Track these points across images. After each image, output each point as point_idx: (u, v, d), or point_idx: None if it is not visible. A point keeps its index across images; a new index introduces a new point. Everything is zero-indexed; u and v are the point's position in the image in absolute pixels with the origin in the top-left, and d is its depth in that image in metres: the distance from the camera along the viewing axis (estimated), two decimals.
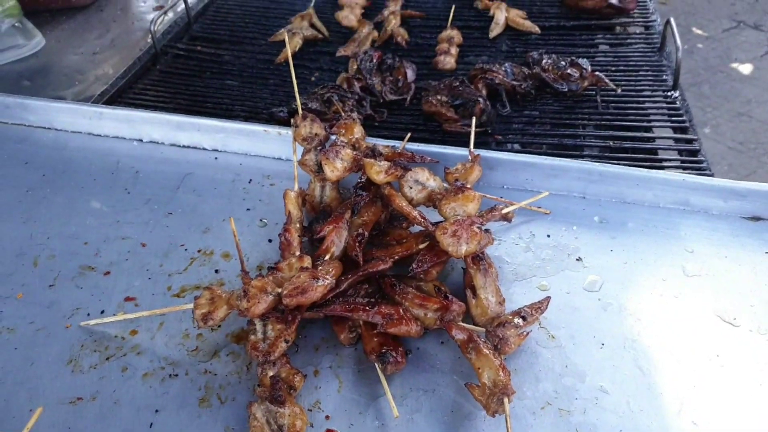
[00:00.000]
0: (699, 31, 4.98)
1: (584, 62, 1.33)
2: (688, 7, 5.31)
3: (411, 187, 0.89)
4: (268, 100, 1.42)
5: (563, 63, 1.34)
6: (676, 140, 1.24)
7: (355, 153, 0.91)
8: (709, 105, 4.13)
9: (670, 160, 1.19)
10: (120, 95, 1.41)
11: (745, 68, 4.47)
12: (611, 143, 1.22)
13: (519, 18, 1.64)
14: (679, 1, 5.40)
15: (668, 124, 1.28)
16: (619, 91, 1.34)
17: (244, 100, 1.42)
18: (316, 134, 1.00)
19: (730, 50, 4.74)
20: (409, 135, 1.03)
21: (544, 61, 1.38)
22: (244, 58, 1.58)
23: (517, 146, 1.25)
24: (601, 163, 0.98)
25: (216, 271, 0.88)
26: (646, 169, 0.97)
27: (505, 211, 0.87)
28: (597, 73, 1.34)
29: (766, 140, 3.80)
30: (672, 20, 1.46)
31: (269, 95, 1.44)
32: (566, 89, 1.32)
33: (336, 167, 0.89)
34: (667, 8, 5.31)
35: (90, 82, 1.43)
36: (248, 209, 0.99)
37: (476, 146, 1.19)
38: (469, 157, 0.96)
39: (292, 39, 1.58)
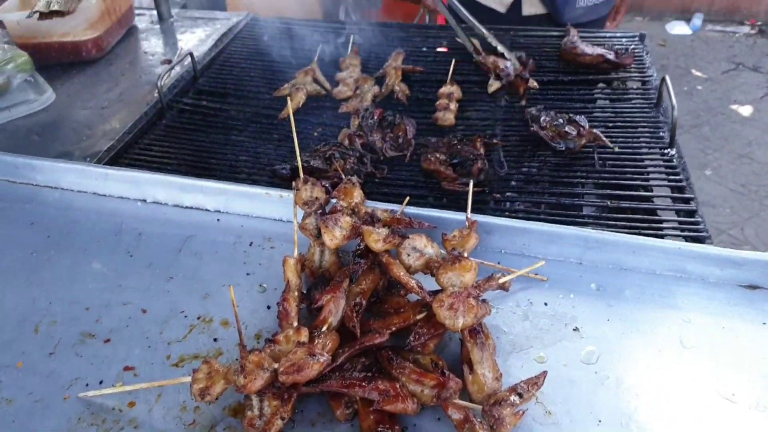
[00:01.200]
0: (698, 73, 5.05)
1: (582, 119, 1.35)
2: (687, 49, 5.40)
3: (409, 255, 0.90)
4: (272, 155, 1.44)
5: (561, 120, 1.37)
6: (674, 200, 1.26)
7: (354, 220, 0.92)
8: (710, 147, 4.17)
9: (668, 220, 1.20)
10: (126, 150, 1.44)
11: (745, 110, 4.52)
12: (609, 203, 1.24)
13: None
14: (678, 43, 5.49)
15: (665, 182, 1.30)
16: (616, 149, 1.36)
17: (248, 156, 1.44)
18: (316, 198, 1.02)
19: (730, 92, 4.80)
20: (407, 199, 1.05)
21: (542, 119, 1.41)
22: (248, 112, 1.61)
23: (517, 204, 1.27)
24: (598, 230, 0.99)
25: (215, 340, 0.89)
26: (642, 237, 0.98)
27: (501, 281, 0.88)
28: (594, 130, 1.36)
29: (767, 182, 3.81)
30: (667, 78, 1.48)
31: (273, 150, 1.47)
32: (563, 148, 1.35)
33: (335, 235, 0.90)
34: (667, 50, 5.40)
35: (98, 137, 1.46)
36: (248, 273, 1.00)
37: (475, 204, 1.21)
38: (467, 224, 0.97)
39: (295, 95, 1.62)
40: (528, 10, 2.01)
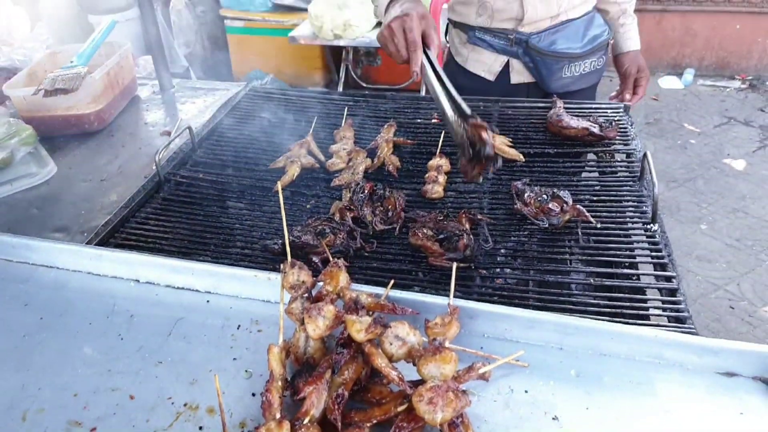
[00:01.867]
0: (691, 127, 5.15)
1: (566, 195, 1.39)
2: (679, 103, 5.51)
3: (391, 344, 0.92)
4: (265, 228, 1.48)
5: (545, 196, 1.41)
6: (656, 277, 1.28)
7: (337, 309, 0.95)
8: (705, 200, 4.21)
9: (651, 299, 1.22)
10: (123, 224, 1.48)
11: (738, 164, 4.59)
12: (592, 280, 1.26)
13: (505, 146, 1.72)
14: (671, 98, 5.61)
15: (648, 259, 1.33)
16: (597, 225, 1.39)
17: (242, 228, 1.48)
18: (303, 282, 1.05)
19: (723, 146, 4.88)
20: (392, 282, 1.07)
21: (526, 194, 1.45)
22: (244, 183, 1.66)
23: (503, 281, 1.30)
24: (577, 317, 1.01)
25: (200, 428, 0.90)
26: (619, 324, 1.00)
27: (482, 371, 0.90)
28: (578, 206, 1.39)
29: (762, 237, 3.84)
30: (648, 154, 1.53)
31: (267, 223, 1.51)
32: (546, 225, 1.38)
33: (318, 325, 0.93)
34: (660, 104, 5.52)
35: (96, 210, 1.50)
36: (234, 359, 1.02)
37: (461, 281, 1.24)
38: (449, 310, 0.99)
39: (290, 167, 1.67)
40: (516, 78, 2.06)
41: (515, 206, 1.43)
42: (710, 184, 4.30)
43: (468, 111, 1.30)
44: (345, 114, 1.95)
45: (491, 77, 2.07)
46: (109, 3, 6.55)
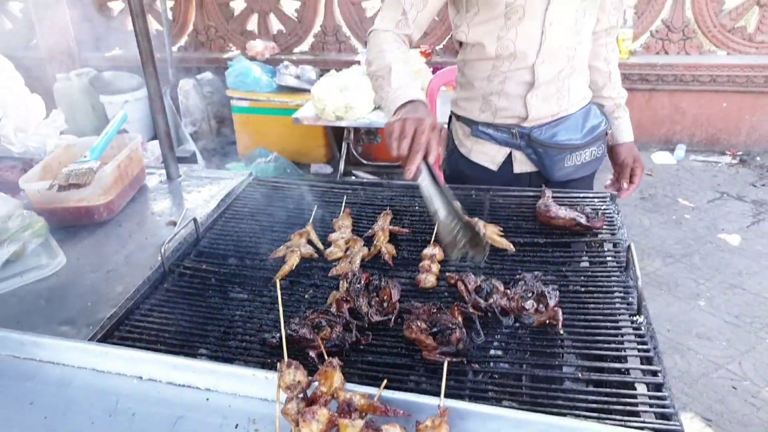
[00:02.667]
0: (685, 202, 5.25)
1: (553, 294, 1.44)
2: (673, 178, 5.64)
3: None
4: (264, 320, 1.53)
5: (531, 293, 1.46)
6: (643, 372, 1.32)
7: (331, 413, 0.99)
8: (702, 276, 4.25)
9: (640, 394, 1.25)
10: (128, 316, 1.53)
11: (733, 239, 4.65)
12: (580, 375, 1.30)
13: (495, 235, 1.79)
14: (665, 173, 5.74)
15: (635, 352, 1.37)
16: (562, 332, 1.42)
17: (242, 319, 1.53)
18: (298, 381, 1.09)
19: (717, 221, 4.96)
20: (384, 382, 1.11)
21: (511, 291, 1.49)
22: (246, 273, 1.72)
23: (495, 377, 1.33)
24: (563, 418, 1.04)
25: None
26: (606, 425, 1.03)
27: None
28: (556, 309, 1.42)
29: (761, 313, 3.85)
30: (632, 246, 1.59)
31: (266, 313, 1.56)
32: (516, 324, 1.43)
33: (312, 429, 0.96)
34: (654, 179, 5.65)
35: (102, 302, 1.56)
36: None
37: (454, 375, 1.28)
38: (439, 411, 1.03)
39: (290, 257, 1.74)
40: (518, 168, 2.14)
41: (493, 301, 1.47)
42: (707, 259, 4.35)
43: (465, 218, 1.45)
44: (343, 203, 2.04)
45: (494, 167, 2.15)
46: (120, 84, 6.85)
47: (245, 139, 6.29)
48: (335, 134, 6.10)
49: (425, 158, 1.51)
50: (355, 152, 5.77)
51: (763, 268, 4.19)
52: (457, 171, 2.25)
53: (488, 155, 2.14)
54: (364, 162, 5.89)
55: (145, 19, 2.05)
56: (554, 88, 2.00)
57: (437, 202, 1.49)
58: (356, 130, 5.58)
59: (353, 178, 5.82)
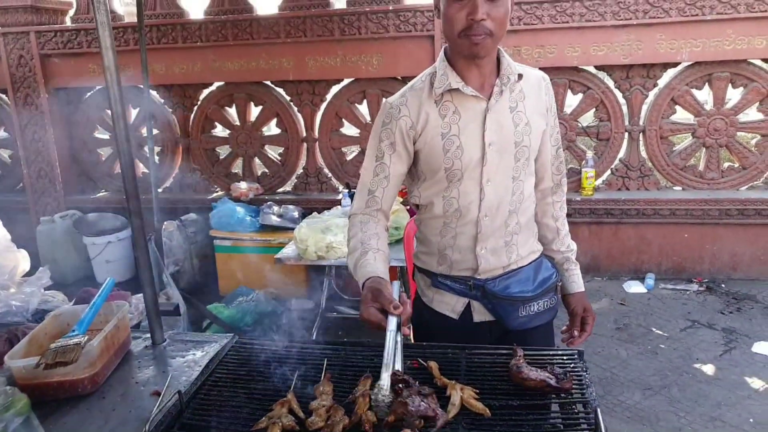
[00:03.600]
0: (659, 331, 5.37)
1: None
2: (645, 307, 5.80)
3: None
4: None
5: None
6: None
7: None
8: (682, 409, 4.28)
9: None
10: None
11: (708, 369, 4.73)
12: None
13: (471, 399, 1.86)
14: (637, 302, 5.92)
15: None
16: None
17: None
18: None
19: (691, 350, 5.06)
20: None
21: None
22: None
23: None
24: None
25: None
26: None
27: None
28: None
29: None
30: (599, 411, 1.67)
31: None
32: None
33: None
34: (627, 308, 5.81)
35: None
36: None
37: None
38: None
39: (272, 429, 1.77)
40: (477, 317, 2.30)
41: None
42: (685, 390, 4.40)
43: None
44: (324, 366, 2.10)
45: (455, 316, 2.31)
46: (104, 225, 7.02)
47: (227, 277, 6.39)
48: (317, 272, 6.24)
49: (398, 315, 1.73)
50: (336, 288, 5.88)
51: (740, 398, 4.24)
52: (422, 319, 2.40)
53: (449, 304, 2.31)
54: (345, 297, 5.98)
55: (134, 165, 2.22)
56: (502, 241, 2.21)
57: (387, 363, 1.69)
58: (337, 267, 5.73)
59: (335, 314, 5.88)
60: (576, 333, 2.40)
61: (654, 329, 5.32)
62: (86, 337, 1.96)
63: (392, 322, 1.75)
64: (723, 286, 6.07)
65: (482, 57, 2.00)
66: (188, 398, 1.94)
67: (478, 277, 2.23)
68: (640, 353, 4.93)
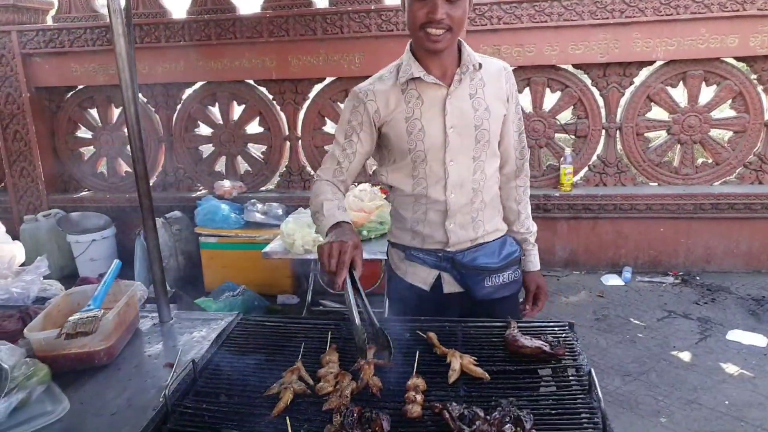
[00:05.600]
0: (637, 321, 5.55)
1: (528, 419, 1.61)
2: (623, 299, 5.98)
3: None
4: None
5: (509, 417, 1.63)
6: None
7: None
8: (660, 393, 4.43)
9: None
10: None
11: (685, 356, 4.91)
12: None
13: (471, 365, 1.98)
14: (615, 294, 6.10)
15: None
16: None
17: None
18: None
19: (668, 338, 5.24)
20: None
21: (490, 417, 1.66)
22: (242, 411, 1.83)
23: None
24: None
25: None
26: None
27: None
28: (531, 431, 1.60)
29: (719, 428, 4.03)
30: (593, 371, 1.80)
31: None
32: None
33: None
34: (606, 300, 6.00)
35: None
36: None
37: None
38: None
39: (284, 394, 1.87)
40: (447, 288, 2.49)
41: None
42: (663, 376, 4.58)
43: (377, 324, 1.89)
44: (329, 338, 2.21)
45: (427, 287, 2.49)
46: (87, 224, 7.01)
47: (213, 273, 6.42)
48: (302, 266, 6.31)
49: (351, 273, 1.90)
50: (321, 282, 5.96)
51: (715, 383, 4.43)
52: (397, 292, 2.61)
53: (420, 276, 2.50)
54: (331, 291, 6.07)
55: (145, 162, 2.32)
56: (469, 217, 2.41)
57: (354, 312, 1.85)
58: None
59: (320, 308, 5.96)
60: (528, 307, 2.67)
61: (632, 319, 5.51)
62: (102, 311, 2.03)
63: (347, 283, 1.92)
64: (698, 278, 6.31)
65: (440, 50, 2.19)
66: (200, 368, 2.02)
67: (448, 250, 2.43)
68: (618, 342, 5.10)
